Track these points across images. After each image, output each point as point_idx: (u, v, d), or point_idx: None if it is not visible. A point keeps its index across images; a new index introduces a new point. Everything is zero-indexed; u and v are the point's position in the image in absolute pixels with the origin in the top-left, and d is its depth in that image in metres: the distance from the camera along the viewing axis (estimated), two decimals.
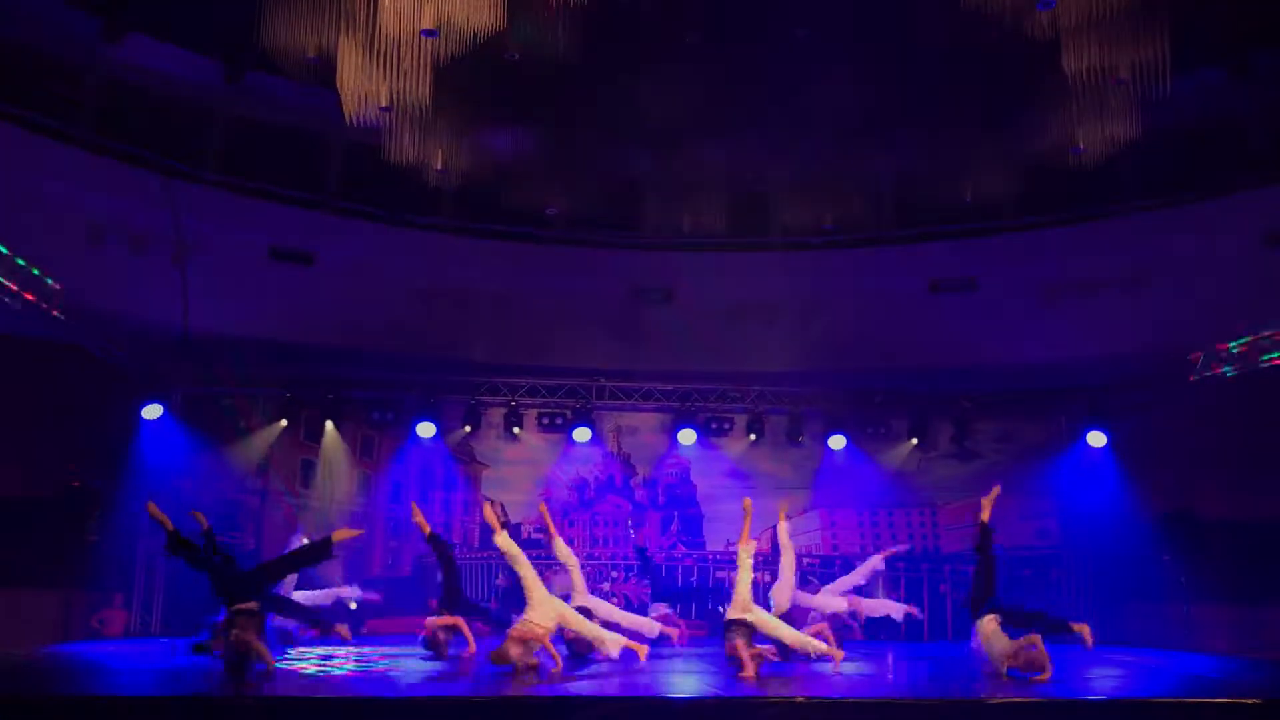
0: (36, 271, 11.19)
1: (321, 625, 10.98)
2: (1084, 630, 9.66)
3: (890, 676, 9.91)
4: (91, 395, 13.60)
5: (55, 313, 11.52)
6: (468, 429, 15.19)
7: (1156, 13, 10.17)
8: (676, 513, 15.58)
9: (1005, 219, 15.43)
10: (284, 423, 14.97)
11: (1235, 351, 13.22)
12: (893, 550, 13.37)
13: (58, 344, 12.28)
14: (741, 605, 9.69)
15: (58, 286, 11.62)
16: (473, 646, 11.08)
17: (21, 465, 12.84)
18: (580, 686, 8.68)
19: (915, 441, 15.51)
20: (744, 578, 9.74)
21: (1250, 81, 13.95)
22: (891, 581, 14.99)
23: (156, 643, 12.77)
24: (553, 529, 11.22)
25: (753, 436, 15.43)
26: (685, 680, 9.30)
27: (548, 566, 15.25)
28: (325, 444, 15.18)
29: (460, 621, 11.23)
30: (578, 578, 11.50)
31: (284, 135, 15.35)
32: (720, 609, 14.41)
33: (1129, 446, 14.71)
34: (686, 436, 15.24)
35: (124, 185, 13.51)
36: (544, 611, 9.46)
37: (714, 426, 15.43)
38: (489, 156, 13.66)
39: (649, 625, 11.61)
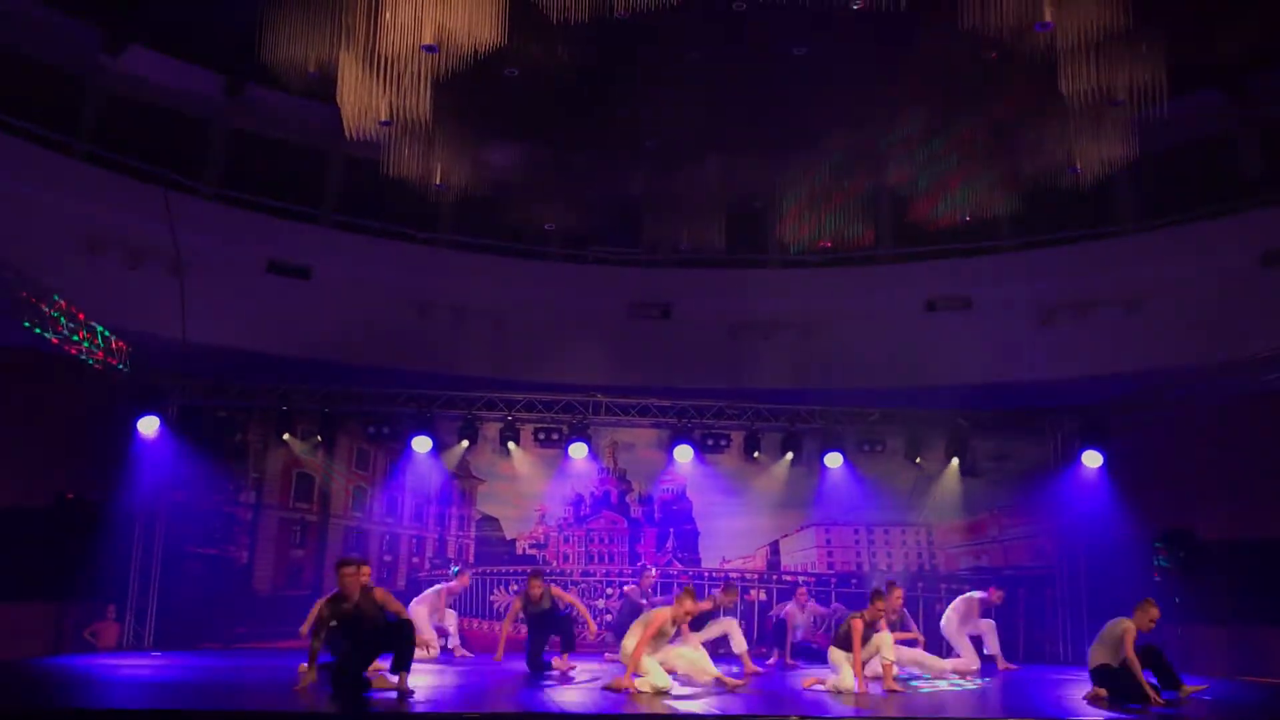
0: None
1: None
2: None
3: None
4: (87, 407, 13.58)
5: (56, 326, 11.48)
6: (464, 444, 15.15)
7: (1153, 35, 10.24)
8: (672, 529, 15.53)
9: (1002, 238, 15.47)
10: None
11: None
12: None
13: (53, 355, 12.24)
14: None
15: (57, 300, 11.60)
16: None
17: (15, 476, 12.79)
18: (575, 703, 8.65)
19: (913, 460, 15.49)
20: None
21: (1246, 103, 14.03)
22: None
23: (149, 655, 12.71)
24: None
25: (751, 454, 15.40)
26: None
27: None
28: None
29: None
30: None
31: (283, 149, 15.39)
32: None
33: (1125, 466, 14.70)
34: (683, 453, 15.18)
35: (123, 197, 13.52)
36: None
37: (710, 443, 15.36)
38: (488, 171, 13.67)
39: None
